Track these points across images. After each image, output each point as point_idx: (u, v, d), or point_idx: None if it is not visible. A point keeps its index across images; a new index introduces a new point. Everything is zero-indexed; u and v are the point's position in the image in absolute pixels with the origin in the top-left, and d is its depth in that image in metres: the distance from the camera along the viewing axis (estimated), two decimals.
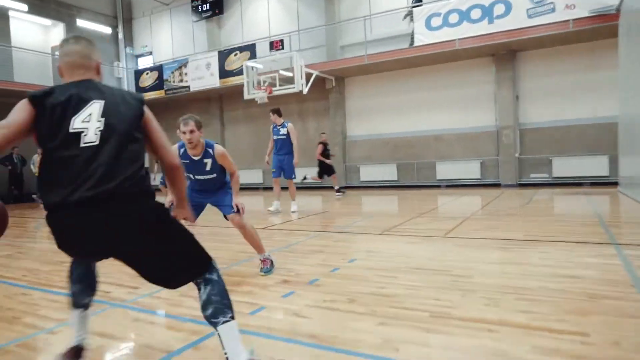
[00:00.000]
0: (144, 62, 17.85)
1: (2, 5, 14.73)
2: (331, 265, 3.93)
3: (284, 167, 8.22)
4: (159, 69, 16.34)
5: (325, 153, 11.19)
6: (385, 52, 12.13)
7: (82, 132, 1.65)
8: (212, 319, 1.79)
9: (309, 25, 14.19)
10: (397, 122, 13.09)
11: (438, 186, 12.40)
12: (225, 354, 1.78)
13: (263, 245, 3.83)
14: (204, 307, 1.81)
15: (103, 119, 1.69)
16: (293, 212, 8.03)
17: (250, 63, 12.61)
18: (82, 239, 1.66)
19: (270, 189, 8.97)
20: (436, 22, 11.22)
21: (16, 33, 15.43)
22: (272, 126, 8.35)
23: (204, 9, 16.20)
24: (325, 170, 11.14)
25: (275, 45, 13.51)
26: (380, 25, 13.16)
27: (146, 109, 1.86)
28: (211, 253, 1.91)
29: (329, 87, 13.95)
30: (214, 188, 3.83)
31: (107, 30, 17.98)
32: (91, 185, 1.58)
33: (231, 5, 16.16)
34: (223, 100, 16.31)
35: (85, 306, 2.06)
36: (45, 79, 14.82)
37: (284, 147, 8.19)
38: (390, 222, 6.34)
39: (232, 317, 1.82)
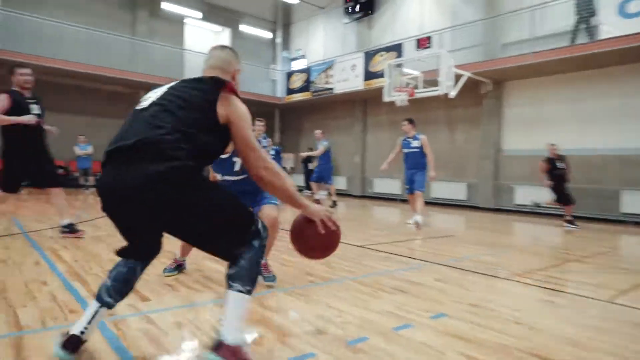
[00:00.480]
0: (297, 66, 18.25)
1: (180, 13, 16.54)
2: (403, 316, 2.71)
3: (415, 179, 7.45)
4: (307, 71, 16.45)
5: (558, 172, 8.41)
6: (559, 49, 9.77)
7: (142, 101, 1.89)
8: (230, 281, 1.78)
9: (465, 22, 12.45)
10: (567, 136, 10.44)
11: (622, 222, 9.48)
12: (221, 320, 1.93)
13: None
14: (230, 265, 1.82)
15: (163, 93, 1.84)
16: (409, 223, 7.43)
17: (393, 62, 11.53)
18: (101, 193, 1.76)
19: (406, 201, 8.04)
20: (635, 6, 8.54)
21: (189, 38, 17.22)
22: (401, 138, 7.71)
23: (355, 9, 15.71)
24: (562, 195, 8.41)
25: (422, 43, 12.16)
26: (549, 19, 10.71)
27: (226, 97, 1.85)
28: None
29: (484, 91, 12.01)
30: (252, 189, 3.21)
31: (267, 34, 18.93)
32: (114, 141, 1.75)
33: (383, 4, 15.33)
34: (367, 104, 15.58)
35: (107, 305, 1.96)
36: None
37: (416, 161, 7.44)
38: (530, 263, 4.61)
39: (249, 292, 1.79)
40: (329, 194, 11.62)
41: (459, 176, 12.79)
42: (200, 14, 16.85)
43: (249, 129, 1.86)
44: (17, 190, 4.80)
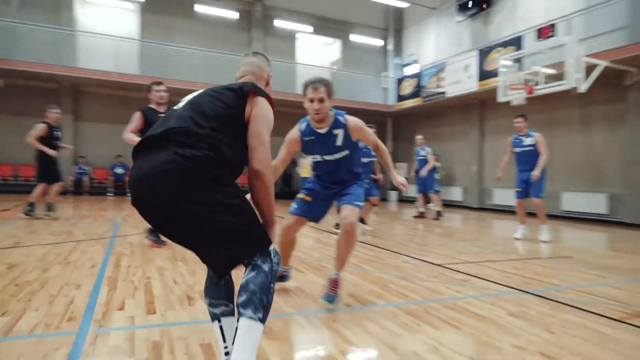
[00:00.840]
0: (410, 71, 17.48)
1: (291, 29, 17.12)
2: None
3: (530, 184, 6.62)
4: (418, 76, 15.61)
5: None
6: None
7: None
8: (241, 308, 1.63)
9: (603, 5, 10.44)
10: None
11: None
12: (226, 347, 1.78)
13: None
14: (239, 292, 1.67)
15: (198, 94, 1.91)
16: (543, 241, 6.58)
17: (508, 56, 10.20)
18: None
19: (533, 214, 6.95)
20: None
21: (301, 52, 17.71)
22: (512, 137, 6.93)
23: (469, 6, 14.41)
24: None
25: (544, 32, 10.54)
26: None
27: (254, 98, 1.87)
28: None
29: (629, 82, 9.90)
30: (345, 177, 3.14)
31: (378, 42, 18.54)
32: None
33: None
34: (484, 108, 14.12)
35: (217, 317, 1.85)
36: None
37: (530, 160, 6.62)
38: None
39: (262, 321, 1.63)
40: (429, 204, 10.75)
41: (598, 186, 10.70)
42: (311, 28, 17.24)
43: (266, 128, 1.85)
44: None
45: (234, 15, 16.14)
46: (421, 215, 10.26)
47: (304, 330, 2.54)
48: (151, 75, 13.73)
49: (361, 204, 3.05)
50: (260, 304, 1.63)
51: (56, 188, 7.42)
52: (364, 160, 6.57)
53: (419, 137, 10.26)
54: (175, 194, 1.58)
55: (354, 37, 18.11)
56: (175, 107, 1.88)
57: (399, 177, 3.12)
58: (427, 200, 10.57)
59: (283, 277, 3.29)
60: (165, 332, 2.38)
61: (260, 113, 1.84)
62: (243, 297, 1.63)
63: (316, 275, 3.91)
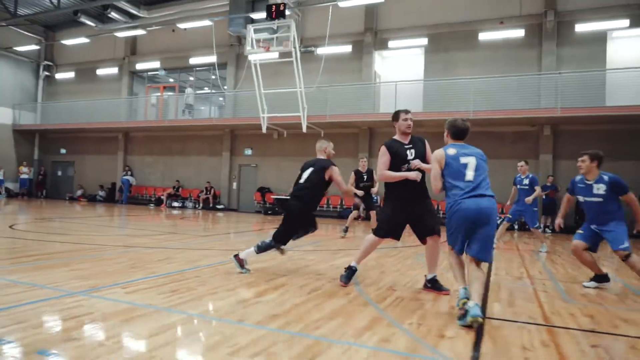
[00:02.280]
0: None
1: (599, 29, 13.98)
2: None
3: None
4: None
5: None
6: None
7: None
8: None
9: None
10: None
11: None
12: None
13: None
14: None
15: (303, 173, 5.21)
16: None
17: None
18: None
19: None
20: None
21: (613, 55, 14.14)
22: None
23: None
24: None
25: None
26: None
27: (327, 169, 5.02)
28: None
29: None
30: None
31: None
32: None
33: None
34: None
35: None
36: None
37: None
38: None
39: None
40: None
41: None
42: (626, 22, 13.65)
43: (340, 177, 5.01)
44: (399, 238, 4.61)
45: (519, 33, 14.83)
46: None
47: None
48: (431, 110, 14.48)
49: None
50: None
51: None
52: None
53: None
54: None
55: None
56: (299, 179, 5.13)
57: None
58: None
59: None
60: None
61: (335, 173, 5.01)
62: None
63: None
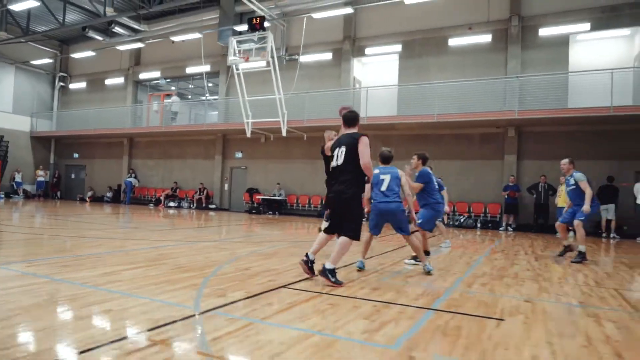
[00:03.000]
0: None
1: (561, 33, 14.41)
2: None
3: None
4: None
5: None
6: None
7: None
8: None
9: None
10: None
11: None
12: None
13: None
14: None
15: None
16: None
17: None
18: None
19: None
20: None
21: (576, 57, 14.52)
22: None
23: None
24: None
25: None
26: None
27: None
28: None
29: None
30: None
31: None
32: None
33: None
34: None
35: None
36: None
37: None
38: None
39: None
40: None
41: None
42: (588, 25, 14.06)
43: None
44: None
45: (486, 38, 15.42)
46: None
47: None
48: (405, 114, 15.27)
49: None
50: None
51: None
52: None
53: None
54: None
55: None
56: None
57: None
58: None
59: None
60: None
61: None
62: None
63: None
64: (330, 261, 4.38)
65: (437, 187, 6.65)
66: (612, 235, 12.39)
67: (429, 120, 14.72)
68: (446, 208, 8.21)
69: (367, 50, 17.41)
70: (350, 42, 17.52)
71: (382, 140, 16.64)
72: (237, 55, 15.37)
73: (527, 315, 3.53)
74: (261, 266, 5.34)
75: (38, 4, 17.86)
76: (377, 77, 17.80)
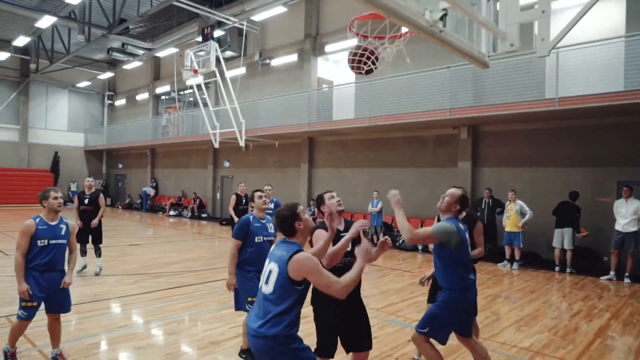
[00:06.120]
0: None
1: None
2: None
3: None
4: None
5: None
6: None
7: None
8: None
9: None
10: None
11: None
12: None
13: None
14: None
15: None
16: None
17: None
18: None
19: None
20: None
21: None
22: None
23: None
24: None
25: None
26: None
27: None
28: None
29: None
30: None
31: None
32: None
33: None
34: None
35: None
36: None
37: None
38: None
39: None
40: None
41: None
42: None
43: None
44: None
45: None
46: None
47: None
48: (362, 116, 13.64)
49: None
50: None
51: None
52: None
53: None
54: None
55: None
56: None
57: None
58: None
59: None
60: None
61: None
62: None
63: None
64: None
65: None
66: (568, 269, 9.40)
67: (378, 123, 12.78)
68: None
69: (327, 48, 15.83)
70: (311, 40, 16.11)
71: (340, 146, 15.15)
72: (188, 68, 15.34)
73: None
74: None
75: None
76: (345, 76, 16.11)
